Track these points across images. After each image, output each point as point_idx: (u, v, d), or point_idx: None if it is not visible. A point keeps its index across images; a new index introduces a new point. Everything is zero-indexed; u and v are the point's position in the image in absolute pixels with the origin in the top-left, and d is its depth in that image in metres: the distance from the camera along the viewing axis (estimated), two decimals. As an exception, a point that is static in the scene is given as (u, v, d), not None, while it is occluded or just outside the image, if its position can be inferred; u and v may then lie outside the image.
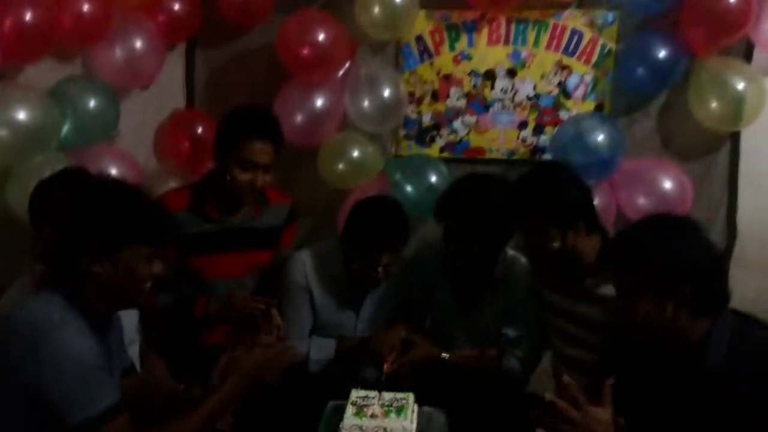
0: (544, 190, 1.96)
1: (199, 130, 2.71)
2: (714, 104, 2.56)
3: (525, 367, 2.17)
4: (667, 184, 2.62)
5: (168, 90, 2.83)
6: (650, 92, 2.73)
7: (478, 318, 2.25)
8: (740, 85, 2.51)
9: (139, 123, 2.71)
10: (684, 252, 1.47)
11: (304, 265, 2.23)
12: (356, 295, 2.26)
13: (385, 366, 2.06)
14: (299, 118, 2.63)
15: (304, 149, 2.69)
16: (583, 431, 1.38)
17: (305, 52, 2.57)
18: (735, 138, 2.73)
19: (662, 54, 2.57)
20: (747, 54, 2.65)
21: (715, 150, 2.76)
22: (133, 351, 1.97)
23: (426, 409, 1.91)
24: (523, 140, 2.83)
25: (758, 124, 2.59)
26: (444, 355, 2.15)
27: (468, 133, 2.84)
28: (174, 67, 2.85)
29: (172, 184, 2.66)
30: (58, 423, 1.35)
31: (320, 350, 2.21)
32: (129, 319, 1.94)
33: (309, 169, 2.73)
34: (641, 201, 2.63)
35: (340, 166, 2.67)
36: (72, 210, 1.47)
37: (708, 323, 1.47)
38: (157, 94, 2.77)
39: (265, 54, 2.79)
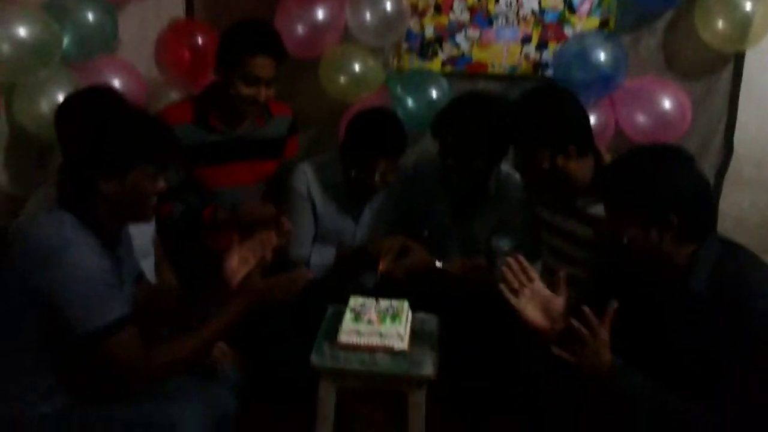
0: (536, 114, 1.97)
1: (199, 40, 2.69)
2: (720, 24, 2.53)
3: None
4: (667, 103, 2.62)
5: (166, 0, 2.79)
6: (656, 10, 2.68)
7: (472, 230, 2.33)
8: (747, 6, 2.47)
9: (139, 33, 2.69)
10: (672, 181, 1.49)
11: (305, 174, 2.30)
12: (356, 203, 2.35)
13: (381, 265, 2.14)
14: (300, 29, 2.59)
15: (305, 61, 2.68)
16: (591, 352, 1.48)
17: (306, -37, 2.52)
18: (739, 58, 2.70)
19: (671, -30, 2.52)
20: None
21: (718, 70, 2.74)
22: (148, 263, 2.05)
23: (419, 315, 2.01)
24: (526, 56, 2.81)
25: (763, 44, 2.57)
26: (438, 263, 2.24)
27: (471, 48, 2.82)
28: (172, -23, 2.80)
29: (173, 94, 2.68)
30: (68, 332, 1.43)
31: (321, 256, 2.30)
32: (144, 232, 2.01)
33: (310, 80, 2.73)
34: (640, 119, 2.64)
35: (341, 79, 2.67)
36: (85, 131, 1.52)
37: (693, 248, 1.51)
38: (155, 4, 2.74)
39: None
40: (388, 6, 2.60)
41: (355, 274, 2.34)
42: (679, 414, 1.43)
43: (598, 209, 1.91)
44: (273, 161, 2.41)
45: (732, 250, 1.53)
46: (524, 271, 1.66)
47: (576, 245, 2.07)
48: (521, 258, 1.68)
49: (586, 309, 1.50)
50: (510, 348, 2.10)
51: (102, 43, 2.42)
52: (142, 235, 1.97)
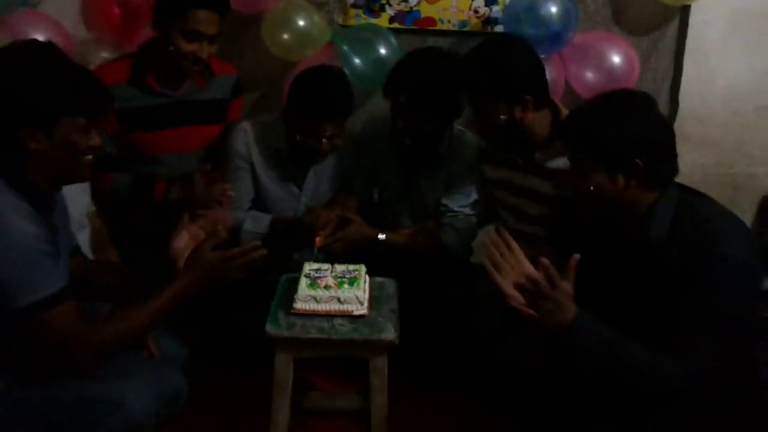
0: (490, 64, 1.92)
1: (130, -5, 2.51)
2: (667, -24, 2.53)
3: (463, 238, 2.21)
4: (616, 59, 2.60)
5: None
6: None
7: (422, 191, 2.27)
8: (693, -43, 2.47)
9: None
10: (637, 126, 1.49)
11: (245, 134, 2.19)
12: (300, 168, 2.24)
13: (317, 239, 2.04)
14: (240, -18, 2.45)
15: (247, 17, 2.54)
16: (552, 304, 1.45)
17: None
18: (684, 12, 2.71)
19: None
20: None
21: (664, 24, 2.74)
22: (83, 236, 1.93)
23: (377, 279, 1.95)
24: (476, 11, 2.74)
25: (708, -2, 2.59)
26: (380, 236, 2.15)
27: (419, 3, 2.73)
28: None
29: (104, 53, 2.50)
30: (5, 307, 1.34)
31: (255, 223, 2.19)
32: (78, 204, 1.88)
33: (254, 38, 2.59)
34: (589, 75, 2.62)
35: (285, 36, 2.53)
36: (7, 82, 1.39)
37: (654, 196, 1.52)
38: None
39: None
40: (333, -42, 2.48)
41: (294, 247, 2.21)
42: (645, 367, 1.43)
43: (557, 163, 1.89)
44: (216, 125, 2.28)
45: (693, 197, 1.55)
46: (506, 242, 1.57)
47: (535, 202, 2.05)
48: (503, 230, 1.59)
49: (545, 260, 1.47)
50: (465, 308, 2.08)
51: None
52: (77, 206, 1.84)
